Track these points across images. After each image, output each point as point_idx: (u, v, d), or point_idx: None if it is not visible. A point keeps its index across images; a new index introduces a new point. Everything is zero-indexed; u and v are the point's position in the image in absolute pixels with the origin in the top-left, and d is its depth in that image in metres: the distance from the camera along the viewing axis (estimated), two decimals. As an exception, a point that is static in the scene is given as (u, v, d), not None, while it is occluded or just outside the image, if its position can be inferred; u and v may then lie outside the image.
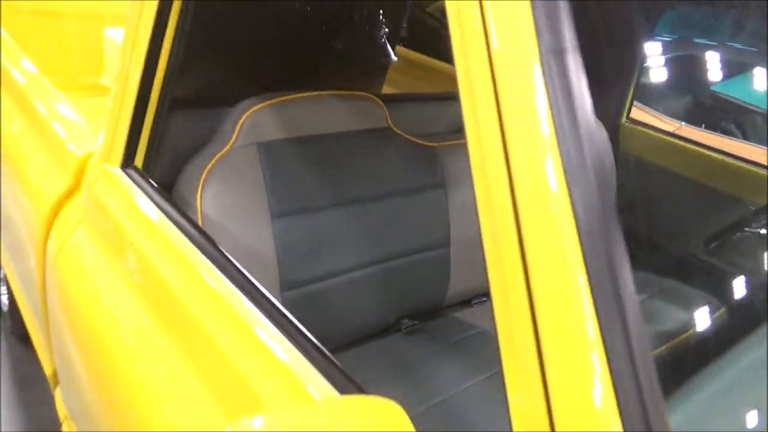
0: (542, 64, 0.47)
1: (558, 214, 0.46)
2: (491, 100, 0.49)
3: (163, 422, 0.80)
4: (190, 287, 0.84)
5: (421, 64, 2.47)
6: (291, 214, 1.18)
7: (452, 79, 0.53)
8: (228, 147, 1.14)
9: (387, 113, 1.33)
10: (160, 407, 0.82)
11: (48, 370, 1.43)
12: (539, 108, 0.47)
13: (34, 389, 1.94)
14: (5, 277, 1.95)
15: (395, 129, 1.34)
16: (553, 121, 0.47)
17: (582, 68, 0.48)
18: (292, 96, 1.22)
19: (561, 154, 0.46)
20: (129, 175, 1.07)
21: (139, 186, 1.03)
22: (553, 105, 0.47)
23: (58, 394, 1.35)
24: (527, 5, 0.48)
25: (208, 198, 1.10)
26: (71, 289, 1.10)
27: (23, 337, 2.00)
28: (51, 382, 1.44)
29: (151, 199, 1.00)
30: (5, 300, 2.16)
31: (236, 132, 1.15)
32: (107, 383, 0.96)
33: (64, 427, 1.33)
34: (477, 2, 0.50)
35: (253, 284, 0.80)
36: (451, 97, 1.48)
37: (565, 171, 0.46)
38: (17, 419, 1.86)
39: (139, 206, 1.00)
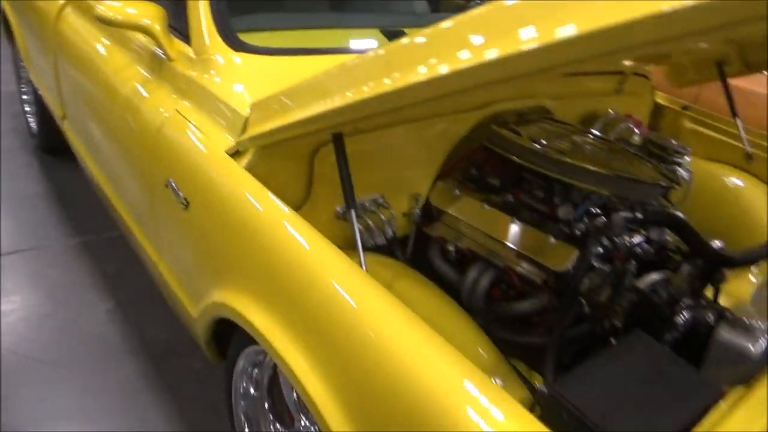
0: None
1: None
2: None
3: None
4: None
5: None
6: None
7: None
8: None
9: None
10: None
11: (59, 113, 2.23)
12: None
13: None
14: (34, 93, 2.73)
15: None
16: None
17: None
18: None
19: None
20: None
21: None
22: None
23: (66, 126, 2.21)
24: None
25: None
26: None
27: (50, 151, 2.94)
28: (60, 121, 2.26)
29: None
30: (33, 124, 2.99)
31: None
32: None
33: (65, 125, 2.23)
34: None
35: None
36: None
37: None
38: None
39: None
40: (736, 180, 1.84)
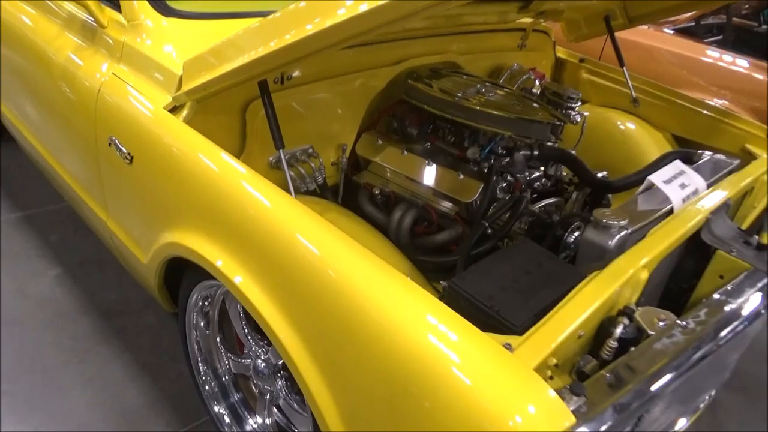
0: None
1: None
2: None
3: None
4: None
5: None
6: None
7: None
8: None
9: None
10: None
11: None
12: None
13: None
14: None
15: None
16: None
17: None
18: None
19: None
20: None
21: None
22: None
23: (3, 105, 2.20)
24: None
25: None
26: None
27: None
28: None
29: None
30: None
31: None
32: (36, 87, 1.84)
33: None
34: None
35: None
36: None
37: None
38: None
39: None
40: (624, 122, 2.09)
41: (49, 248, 2.27)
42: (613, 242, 1.13)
